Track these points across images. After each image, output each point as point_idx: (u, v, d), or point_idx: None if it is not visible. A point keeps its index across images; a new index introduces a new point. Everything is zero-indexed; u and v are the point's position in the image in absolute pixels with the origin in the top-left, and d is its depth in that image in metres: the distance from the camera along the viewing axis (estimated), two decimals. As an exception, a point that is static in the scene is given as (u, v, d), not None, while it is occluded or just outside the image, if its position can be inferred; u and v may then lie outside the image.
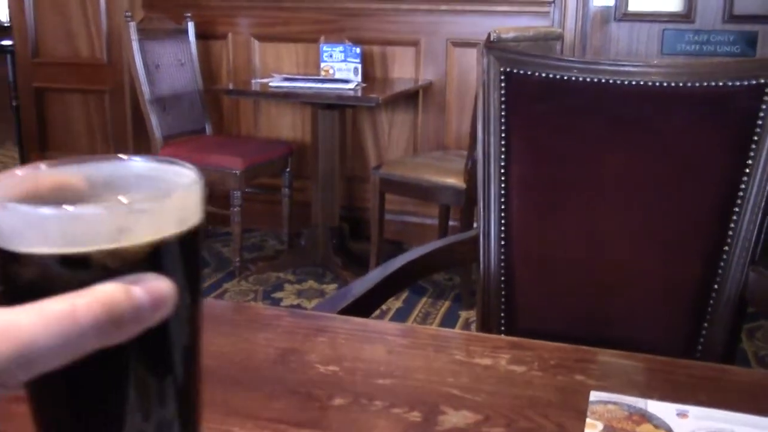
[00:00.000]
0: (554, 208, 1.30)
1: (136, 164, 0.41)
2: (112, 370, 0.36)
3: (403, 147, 3.64)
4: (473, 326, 2.81)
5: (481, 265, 1.31)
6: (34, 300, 0.34)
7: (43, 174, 0.39)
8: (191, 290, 0.38)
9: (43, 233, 0.35)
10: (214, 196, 3.66)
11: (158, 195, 0.36)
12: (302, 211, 3.49)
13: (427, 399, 0.70)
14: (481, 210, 1.32)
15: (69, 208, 0.34)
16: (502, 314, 1.33)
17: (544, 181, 1.30)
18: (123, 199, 0.38)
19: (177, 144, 3.33)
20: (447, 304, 3.02)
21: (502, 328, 1.33)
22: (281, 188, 3.48)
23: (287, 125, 3.79)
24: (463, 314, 2.92)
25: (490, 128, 1.32)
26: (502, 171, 1.31)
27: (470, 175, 2.81)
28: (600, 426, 0.66)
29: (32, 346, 0.31)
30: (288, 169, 3.45)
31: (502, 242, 1.31)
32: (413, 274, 1.25)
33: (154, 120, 3.28)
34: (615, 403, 0.70)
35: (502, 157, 1.31)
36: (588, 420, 0.67)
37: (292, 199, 3.48)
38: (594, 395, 0.71)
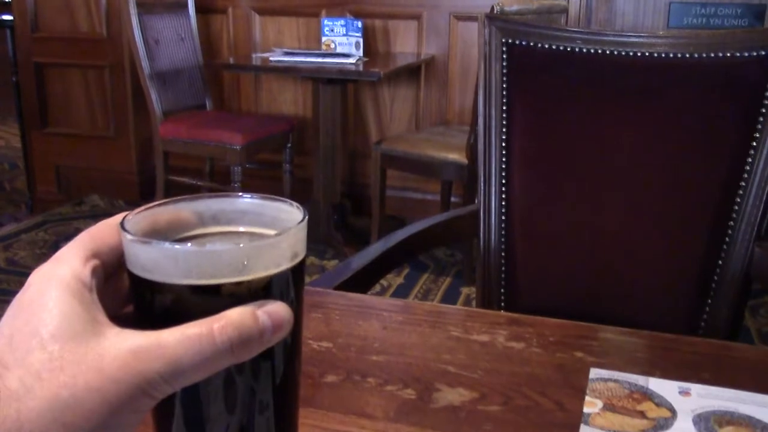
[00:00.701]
0: (556, 182, 1.28)
1: (243, 201, 0.48)
2: (230, 380, 0.42)
3: (405, 122, 3.60)
4: (474, 303, 2.79)
5: (481, 241, 1.29)
6: (167, 322, 0.39)
7: (161, 211, 0.45)
8: (297, 311, 0.43)
9: (181, 266, 0.40)
10: (215, 171, 3.63)
11: (278, 233, 0.42)
12: (303, 187, 3.47)
13: (421, 376, 0.69)
14: (482, 184, 1.30)
15: (205, 246, 0.42)
16: (502, 290, 1.31)
17: (547, 155, 1.28)
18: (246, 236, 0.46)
19: (177, 119, 3.30)
20: (448, 280, 3.00)
21: (502, 305, 1.31)
22: (282, 164, 3.45)
23: (288, 100, 3.75)
24: (465, 290, 2.91)
25: (491, 101, 1.29)
26: (504, 145, 1.28)
27: (472, 150, 2.78)
28: (599, 404, 0.64)
29: (178, 363, 0.37)
30: (289, 145, 3.42)
31: (503, 217, 1.29)
32: (413, 248, 1.23)
33: (154, 95, 3.25)
34: (615, 381, 0.68)
35: (504, 130, 1.28)
36: (587, 398, 0.65)
37: (293, 174, 3.46)
38: (594, 372, 0.69)
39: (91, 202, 3.91)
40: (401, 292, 2.86)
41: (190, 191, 3.67)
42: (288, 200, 0.48)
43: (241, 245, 0.42)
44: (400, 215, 3.45)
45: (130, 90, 3.80)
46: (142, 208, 0.45)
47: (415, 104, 3.57)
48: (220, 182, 3.47)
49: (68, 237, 3.42)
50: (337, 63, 3.08)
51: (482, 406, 0.64)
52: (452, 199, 3.21)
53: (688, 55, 1.17)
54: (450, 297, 2.85)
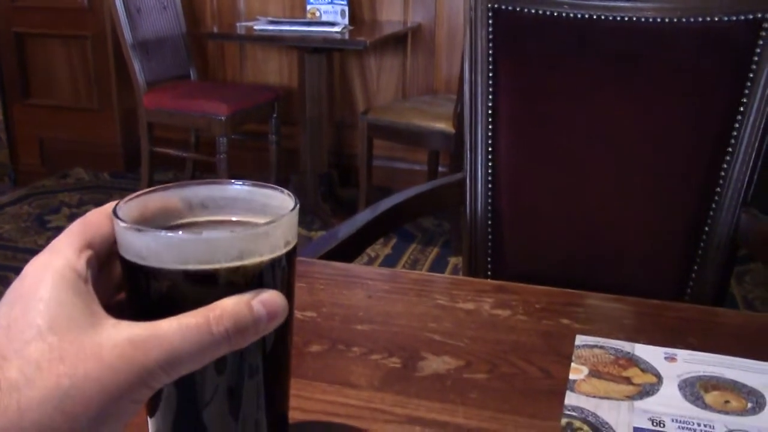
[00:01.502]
0: (543, 149, 1.27)
1: (232, 188, 0.49)
2: (224, 366, 0.44)
3: (392, 91, 3.57)
4: (461, 272, 2.80)
5: (468, 209, 1.28)
6: (162, 309, 0.41)
7: (151, 198, 0.46)
8: (289, 295, 0.45)
9: (178, 254, 0.41)
10: (200, 143, 3.60)
11: (272, 221, 0.43)
12: (290, 157, 3.44)
13: (407, 344, 0.68)
14: (468, 152, 1.29)
15: (201, 233, 0.42)
16: (489, 258, 1.30)
17: (533, 122, 1.27)
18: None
19: (161, 90, 3.25)
20: (436, 250, 3.00)
21: (489, 273, 1.31)
22: (268, 135, 3.42)
23: (273, 70, 3.71)
24: (453, 260, 2.91)
25: (477, 67, 1.27)
26: (490, 112, 1.27)
27: (459, 119, 2.77)
28: (585, 370, 0.64)
29: (175, 353, 0.38)
30: (275, 115, 3.38)
31: (489, 185, 1.28)
32: (400, 217, 1.22)
33: (137, 65, 3.20)
34: (601, 347, 0.67)
35: (490, 97, 1.27)
36: (573, 364, 0.65)
37: (279, 145, 3.43)
38: (580, 339, 0.69)
39: (76, 175, 3.87)
40: (389, 263, 2.86)
41: (176, 163, 3.64)
42: (277, 187, 0.48)
43: (237, 232, 0.43)
44: (387, 185, 3.44)
45: (112, 60, 3.75)
46: (133, 195, 0.46)
47: (402, 73, 3.54)
48: (205, 154, 3.44)
49: (53, 210, 3.39)
50: (323, 32, 3.04)
51: (468, 374, 0.63)
52: (439, 168, 3.20)
53: (675, 20, 1.15)
54: (438, 267, 2.85)
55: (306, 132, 3.25)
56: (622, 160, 1.24)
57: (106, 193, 3.64)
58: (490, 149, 1.27)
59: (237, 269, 0.42)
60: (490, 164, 1.27)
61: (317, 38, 3.00)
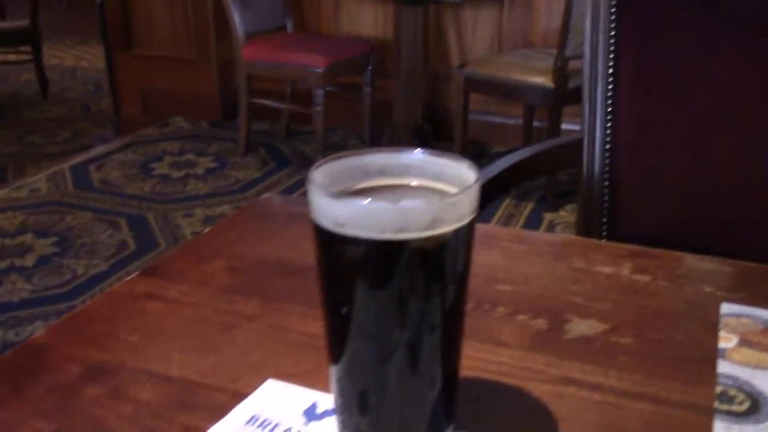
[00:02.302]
0: (665, 110, 1.24)
1: (406, 155, 0.51)
2: (403, 300, 0.46)
3: (487, 45, 3.53)
4: (557, 229, 2.78)
5: (585, 169, 1.27)
6: (354, 275, 0.45)
7: (336, 164, 0.49)
8: (467, 262, 0.48)
9: (375, 222, 0.43)
10: (296, 94, 3.65)
11: (461, 190, 0.45)
12: (383, 110, 3.46)
13: (551, 306, 0.70)
14: (587, 112, 1.27)
15: (399, 202, 0.44)
16: (604, 220, 1.30)
17: (655, 82, 1.24)
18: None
19: (259, 42, 3.30)
20: (530, 205, 2.99)
21: (603, 234, 1.30)
22: (362, 87, 3.44)
23: (369, 22, 3.71)
24: (548, 216, 2.89)
25: (598, 25, 1.25)
26: (610, 71, 1.25)
27: (559, 74, 2.72)
28: (735, 339, 0.64)
29: None
30: (370, 68, 3.40)
31: (608, 145, 1.27)
32: (517, 177, 1.23)
33: (236, 16, 3.25)
34: (748, 317, 0.67)
35: (611, 56, 1.25)
36: (721, 333, 0.65)
37: (373, 98, 3.45)
38: (725, 307, 0.69)
39: (176, 124, 3.99)
40: (482, 218, 2.84)
41: (272, 114, 3.71)
42: (454, 155, 0.50)
43: (432, 202, 0.45)
44: (481, 140, 3.43)
45: (211, 12, 3.82)
46: (320, 162, 0.49)
47: (498, 26, 3.49)
48: (300, 105, 3.50)
49: (156, 158, 3.53)
50: (421, -17, 3.01)
51: (615, 338, 0.65)
52: (534, 123, 3.16)
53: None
54: (532, 223, 2.84)
55: (400, 85, 3.26)
56: (746, 124, 1.20)
57: (206, 142, 3.75)
58: (609, 109, 1.25)
59: (429, 237, 0.45)
60: (609, 124, 1.26)
61: (415, -10, 2.98)
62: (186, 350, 0.62)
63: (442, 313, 0.48)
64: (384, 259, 0.45)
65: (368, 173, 0.51)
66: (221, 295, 0.70)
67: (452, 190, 0.48)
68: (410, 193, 0.50)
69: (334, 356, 0.50)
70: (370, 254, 0.45)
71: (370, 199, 0.45)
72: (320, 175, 0.48)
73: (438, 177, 0.50)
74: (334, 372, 0.51)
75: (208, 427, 0.53)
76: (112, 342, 0.63)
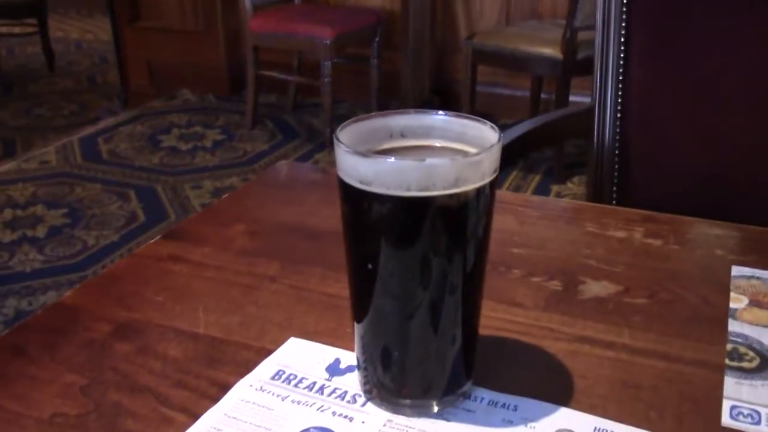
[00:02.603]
0: (677, 79, 1.25)
1: (428, 117, 0.52)
2: (426, 260, 0.48)
3: (495, 16, 3.51)
4: (565, 200, 2.79)
5: (595, 137, 1.28)
6: (379, 232, 0.47)
7: (361, 125, 0.51)
8: (488, 220, 0.50)
9: (400, 179, 0.45)
10: (303, 67, 3.65)
11: (483, 150, 0.47)
12: (391, 81, 3.45)
13: (565, 269, 0.71)
14: (598, 80, 1.28)
15: (424, 160, 0.45)
16: (614, 188, 1.31)
17: (668, 50, 1.24)
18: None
19: (267, 13, 3.29)
20: (538, 177, 3.00)
21: (614, 203, 1.31)
22: (370, 58, 3.43)
23: (376, -7, 3.69)
24: (555, 188, 2.90)
25: (610, -6, 1.25)
26: (622, 40, 1.25)
27: (568, 45, 2.71)
28: (745, 300, 0.66)
29: None
30: (377, 39, 3.39)
31: (619, 114, 1.27)
32: (527, 146, 1.24)
33: (243, -12, 3.24)
34: (758, 278, 0.69)
35: (623, 25, 1.25)
36: (732, 294, 0.67)
37: (380, 69, 3.44)
38: (736, 270, 0.70)
39: (183, 96, 3.99)
40: (490, 189, 2.87)
41: (280, 87, 3.71)
42: (475, 117, 0.51)
43: (456, 160, 0.46)
44: (488, 112, 3.42)
45: (217, -17, 3.80)
46: (346, 123, 0.50)
47: (506, -4, 3.47)
48: (307, 77, 3.49)
49: (164, 130, 3.54)
50: (429, -47, 3.00)
51: (628, 299, 0.66)
52: (542, 95, 3.16)
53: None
54: (540, 194, 2.85)
55: (408, 56, 3.25)
56: (760, 94, 1.21)
57: (213, 114, 3.75)
58: (620, 78, 1.26)
59: (453, 195, 0.46)
60: (620, 93, 1.26)
61: (423, -40, 2.97)
62: (210, 310, 0.64)
63: (463, 273, 0.49)
64: (409, 216, 0.46)
65: (391, 134, 0.52)
66: (242, 258, 0.72)
67: (474, 151, 0.49)
68: (433, 153, 0.51)
69: (359, 314, 0.52)
70: (396, 211, 0.46)
71: (395, 157, 0.47)
72: (345, 135, 0.49)
73: (459, 138, 0.52)
74: (357, 329, 0.53)
75: (235, 382, 0.55)
76: (139, 302, 0.65)
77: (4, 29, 4.80)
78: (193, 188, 2.95)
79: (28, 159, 3.25)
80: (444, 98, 3.55)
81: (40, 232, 2.62)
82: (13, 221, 2.70)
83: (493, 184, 0.49)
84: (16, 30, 4.82)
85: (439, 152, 0.51)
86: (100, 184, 2.98)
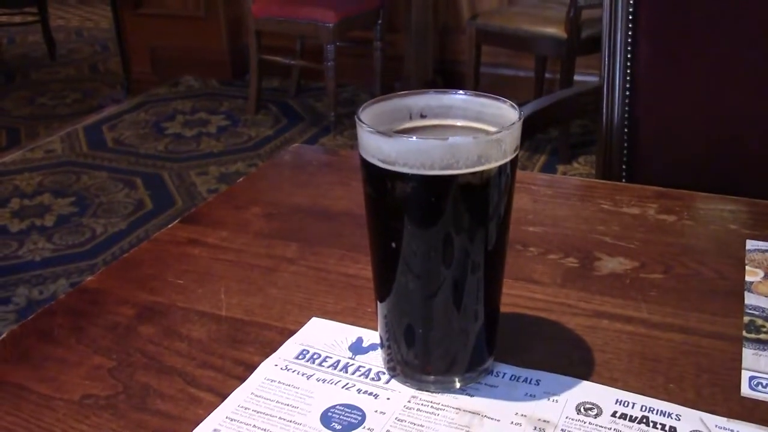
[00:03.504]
0: (685, 55, 1.25)
1: (447, 96, 0.53)
2: (448, 239, 0.48)
3: (498, -4, 3.49)
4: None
5: (604, 116, 1.28)
6: (403, 210, 0.47)
7: (381, 106, 0.51)
8: (510, 199, 0.50)
9: (425, 159, 0.45)
10: (306, 51, 3.64)
11: (504, 128, 0.47)
12: (394, 64, 3.45)
13: (580, 246, 0.72)
14: (606, 59, 1.28)
15: (447, 139, 0.45)
16: (624, 167, 1.31)
17: (677, 27, 1.24)
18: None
19: (268, -3, 3.28)
20: (543, 157, 3.00)
21: (623, 180, 1.32)
22: (373, 41, 3.42)
23: (377, -25, 3.67)
24: (561, 168, 2.90)
25: (617, -29, 1.25)
26: (630, 18, 1.25)
27: (572, 24, 2.70)
28: (761, 273, 0.66)
29: None
30: (380, 22, 3.37)
31: (627, 92, 1.27)
32: (538, 124, 1.24)
33: (244, -28, 3.23)
34: (773, 252, 0.69)
35: (631, 2, 1.25)
36: (747, 267, 0.67)
37: (384, 52, 3.43)
38: (750, 244, 0.71)
39: (186, 83, 3.99)
40: (496, 170, 2.87)
41: (283, 71, 3.70)
42: (494, 96, 0.52)
43: (478, 138, 0.46)
44: (492, 92, 3.41)
45: (218, -32, 3.78)
46: (367, 103, 0.51)
47: (509, -24, 3.45)
48: (310, 61, 3.48)
49: (168, 117, 3.54)
50: (431, -66, 2.98)
51: (644, 274, 0.67)
52: (546, 75, 3.15)
53: None
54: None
55: (411, 38, 3.25)
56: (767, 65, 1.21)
57: (217, 100, 3.75)
58: (629, 56, 1.26)
59: (476, 173, 0.47)
60: (628, 71, 1.26)
61: (425, -59, 2.95)
62: (232, 292, 0.65)
63: (485, 251, 0.50)
64: (432, 194, 0.47)
65: (411, 114, 0.53)
66: (260, 240, 0.73)
67: (493, 129, 0.49)
68: (453, 132, 0.52)
69: (382, 292, 0.53)
70: (419, 190, 0.47)
71: (418, 137, 0.47)
72: (366, 116, 0.50)
73: (478, 117, 0.52)
74: (380, 308, 0.53)
75: (260, 362, 0.56)
76: (161, 285, 0.66)
77: (4, 18, 4.79)
78: (199, 174, 2.96)
79: (33, 148, 3.26)
80: (448, 80, 3.54)
81: (49, 221, 2.63)
82: (21, 211, 2.71)
83: (514, 163, 0.49)
84: (17, 19, 4.81)
85: (460, 131, 0.52)
86: (106, 172, 2.99)
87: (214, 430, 0.49)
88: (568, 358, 0.56)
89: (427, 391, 0.53)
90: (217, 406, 0.52)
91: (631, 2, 1.24)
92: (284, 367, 0.55)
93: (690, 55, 1.25)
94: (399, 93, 0.53)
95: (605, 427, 0.49)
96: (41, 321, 0.62)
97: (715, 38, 1.23)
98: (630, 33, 1.25)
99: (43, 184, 2.91)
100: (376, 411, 0.51)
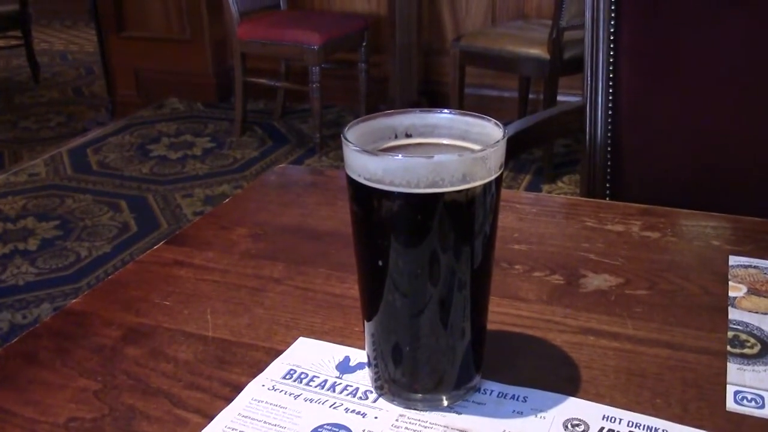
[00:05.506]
0: (667, 74, 1.26)
1: (432, 116, 0.53)
2: (435, 258, 0.49)
3: (481, 17, 3.53)
4: (555, 199, 2.80)
5: (587, 135, 1.30)
6: (389, 228, 0.48)
7: (366, 125, 0.51)
8: (494, 217, 0.51)
9: (410, 177, 0.46)
10: (291, 73, 3.65)
11: (489, 146, 0.47)
12: (379, 86, 3.47)
13: (565, 263, 0.72)
14: (588, 78, 1.29)
15: (432, 157, 0.45)
16: (607, 185, 1.32)
17: (657, 46, 1.26)
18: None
19: (253, 20, 3.30)
20: (528, 177, 3.01)
21: (607, 198, 1.33)
22: (358, 63, 3.44)
23: (362, -2, 3.70)
24: (545, 187, 2.92)
25: (598, -7, 1.26)
26: (612, 38, 1.27)
27: (555, 45, 2.73)
28: (744, 289, 0.67)
29: None
30: (364, 44, 3.40)
31: (610, 111, 1.29)
32: (521, 145, 1.25)
33: (229, -5, 3.24)
34: (756, 267, 0.70)
35: (612, 23, 1.26)
36: (731, 283, 0.68)
37: (368, 74, 3.45)
38: (733, 259, 0.72)
39: (171, 105, 3.99)
40: (481, 190, 2.88)
41: (268, 93, 3.71)
42: (479, 114, 0.52)
43: (464, 156, 0.46)
44: (477, 112, 3.43)
45: (203, -9, 3.80)
46: (352, 123, 0.51)
47: (492, -2, 3.49)
48: (295, 83, 3.50)
49: (153, 140, 3.53)
50: (414, -43, 3.01)
51: (629, 291, 0.67)
52: (530, 96, 3.18)
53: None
54: (530, 194, 2.87)
55: (395, 60, 3.27)
56: (748, 89, 1.23)
57: (202, 122, 3.75)
58: (611, 75, 1.27)
59: (461, 191, 0.47)
60: (611, 90, 1.28)
61: (408, -36, 2.98)
62: (218, 312, 0.65)
63: (471, 269, 0.50)
64: (417, 212, 0.47)
65: (396, 133, 0.53)
66: (247, 261, 0.73)
67: (478, 148, 0.50)
68: (439, 150, 0.52)
69: (369, 311, 0.53)
70: (404, 208, 0.47)
71: (403, 155, 0.48)
72: (352, 135, 0.50)
73: (463, 136, 0.53)
74: (367, 327, 0.53)
75: (247, 382, 0.56)
76: (147, 306, 0.66)
77: (-12, 42, 4.78)
78: (184, 197, 2.95)
79: (17, 172, 3.24)
80: (432, 101, 3.56)
81: (32, 244, 2.61)
82: (4, 234, 2.69)
83: (499, 181, 0.50)
84: (0, 43, 4.81)
85: (445, 149, 0.52)
86: (90, 195, 2.97)
87: (201, 451, 0.49)
88: (555, 374, 0.56)
89: (414, 409, 0.53)
90: (204, 427, 0.51)
91: (612, 23, 1.26)
92: (271, 387, 0.55)
93: (671, 73, 1.26)
94: (385, 112, 0.53)
95: (593, 443, 0.49)
96: (26, 343, 0.61)
97: (695, 56, 1.24)
98: (612, 53, 1.27)
99: (27, 208, 2.89)
100: (363, 430, 0.51)
